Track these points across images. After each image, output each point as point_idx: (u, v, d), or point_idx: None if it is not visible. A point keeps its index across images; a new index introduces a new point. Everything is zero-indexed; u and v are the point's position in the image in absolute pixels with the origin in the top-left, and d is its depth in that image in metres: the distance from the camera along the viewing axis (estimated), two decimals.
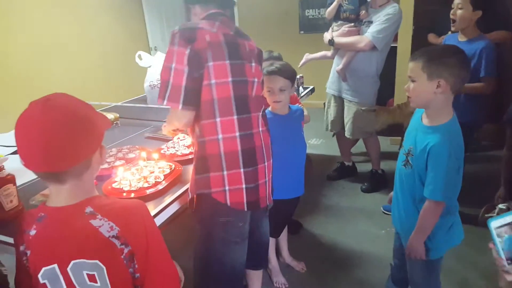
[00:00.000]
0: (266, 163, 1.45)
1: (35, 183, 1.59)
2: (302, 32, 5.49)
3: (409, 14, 3.52)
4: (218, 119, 1.32)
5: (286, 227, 2.20)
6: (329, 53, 3.06)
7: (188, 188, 1.47)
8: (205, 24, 1.32)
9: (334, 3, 2.81)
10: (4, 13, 3.45)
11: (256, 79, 1.44)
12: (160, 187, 1.48)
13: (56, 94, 0.88)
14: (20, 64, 3.59)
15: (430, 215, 1.31)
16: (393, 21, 2.62)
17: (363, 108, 2.85)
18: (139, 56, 2.85)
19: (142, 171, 1.58)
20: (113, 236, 0.86)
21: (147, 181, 1.50)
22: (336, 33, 2.86)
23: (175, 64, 1.25)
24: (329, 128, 3.19)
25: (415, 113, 1.44)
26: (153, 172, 1.58)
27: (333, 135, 3.34)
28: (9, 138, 2.02)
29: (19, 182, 1.35)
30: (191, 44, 1.25)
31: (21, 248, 0.90)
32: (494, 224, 0.80)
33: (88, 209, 0.88)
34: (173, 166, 1.64)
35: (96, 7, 4.46)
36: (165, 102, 1.27)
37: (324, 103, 3.25)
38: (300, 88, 3.38)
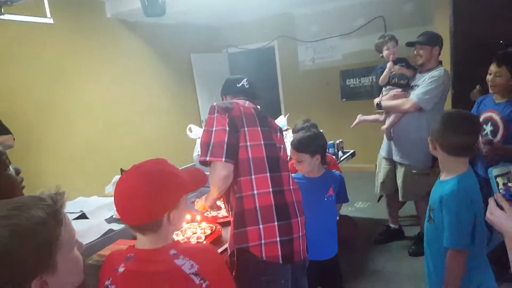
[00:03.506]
0: (299, 218, 1.55)
1: (94, 244, 1.80)
2: (344, 100, 5.73)
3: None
4: (253, 176, 1.48)
5: None
6: (381, 117, 3.15)
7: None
8: (238, 100, 1.58)
9: (386, 70, 2.94)
10: (68, 94, 4.03)
11: (282, 146, 1.64)
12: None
13: (151, 160, 1.06)
14: (92, 139, 4.15)
15: (453, 264, 1.34)
16: (439, 83, 2.69)
17: (414, 171, 2.85)
18: (190, 129, 3.17)
19: (186, 232, 1.75)
20: (193, 273, 0.97)
21: (189, 241, 1.65)
22: (385, 97, 2.99)
23: (216, 127, 1.47)
24: (379, 190, 3.19)
25: None
26: (195, 233, 1.74)
27: (379, 199, 3.32)
28: (74, 205, 2.31)
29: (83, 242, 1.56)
30: (229, 113, 1.49)
31: (106, 282, 1.01)
32: (494, 172, 1.01)
33: (172, 251, 1.01)
34: (214, 227, 1.79)
35: (157, 85, 5.11)
36: (208, 158, 1.44)
37: (376, 165, 3.30)
38: (340, 152, 3.48)
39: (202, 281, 0.98)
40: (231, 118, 1.49)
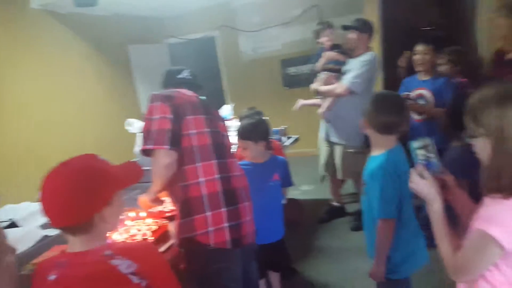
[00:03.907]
0: (246, 203, 1.59)
1: (27, 253, 1.68)
2: (286, 87, 5.87)
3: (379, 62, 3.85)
4: (199, 164, 1.48)
5: (279, 274, 2.27)
6: (319, 101, 3.29)
7: None
8: (181, 89, 1.57)
9: (324, 57, 3.09)
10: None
11: (226, 133, 1.67)
12: None
13: (79, 156, 0.99)
14: (22, 140, 3.86)
15: (381, 233, 1.46)
16: (369, 67, 2.87)
17: (350, 150, 3.02)
18: (129, 123, 3.07)
19: (130, 230, 1.72)
20: (130, 273, 0.92)
21: (133, 239, 1.63)
22: (319, 82, 3.13)
23: (159, 115, 1.45)
24: (322, 170, 3.35)
25: None
26: (140, 230, 1.72)
27: (322, 179, 3.49)
28: (3, 213, 2.15)
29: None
30: (171, 101, 1.47)
31: None
32: (415, 144, 1.12)
33: (107, 252, 0.95)
34: (160, 222, 1.78)
35: (93, 80, 4.86)
36: (150, 146, 1.42)
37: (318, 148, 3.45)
38: (284, 138, 3.59)
39: (140, 281, 0.95)
40: (174, 106, 1.48)
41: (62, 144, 4.18)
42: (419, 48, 2.63)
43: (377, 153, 1.53)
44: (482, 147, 0.91)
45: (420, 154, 1.10)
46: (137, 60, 5.61)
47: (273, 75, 5.88)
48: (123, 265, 0.94)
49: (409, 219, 1.54)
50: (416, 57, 2.67)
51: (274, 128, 3.49)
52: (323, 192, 3.92)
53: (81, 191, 0.93)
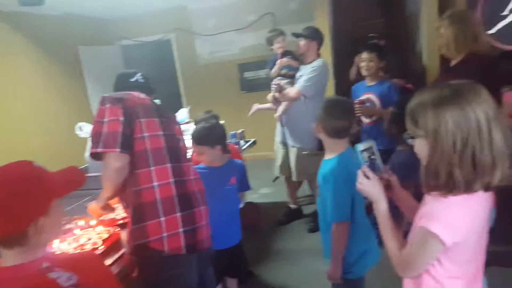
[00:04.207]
0: (202, 208, 1.57)
1: None
2: (243, 91, 5.90)
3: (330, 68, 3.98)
4: (152, 168, 1.44)
5: (236, 279, 2.26)
6: (274, 105, 3.35)
7: None
8: (133, 92, 1.53)
9: (277, 63, 3.18)
10: None
11: (182, 137, 1.64)
12: (97, 253, 1.53)
13: (12, 163, 0.92)
14: None
15: (336, 236, 1.50)
16: (319, 71, 3.00)
17: (304, 153, 3.10)
18: (80, 128, 2.94)
19: (79, 239, 1.64)
20: (71, 285, 0.89)
21: (83, 249, 1.55)
22: (275, 88, 3.18)
23: (109, 118, 1.39)
24: (277, 172, 3.40)
25: None
26: (90, 239, 1.64)
27: (274, 180, 3.56)
28: None
29: None
30: (123, 103, 1.42)
31: None
32: (360, 147, 1.16)
33: (45, 264, 0.90)
34: (112, 230, 1.71)
35: (40, 83, 4.60)
36: (100, 149, 1.37)
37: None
38: (241, 141, 3.60)
39: None
40: (125, 108, 1.43)
41: (7, 150, 3.89)
42: (364, 55, 2.79)
43: (330, 157, 1.58)
44: (421, 148, 0.96)
45: (365, 156, 1.15)
46: (88, 62, 5.40)
47: (230, 79, 5.89)
48: (63, 278, 0.89)
49: (361, 220, 1.59)
50: (362, 64, 2.84)
51: (231, 132, 3.50)
52: (282, 195, 3.96)
53: (13, 200, 0.87)
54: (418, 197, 1.09)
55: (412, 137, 0.98)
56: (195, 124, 2.54)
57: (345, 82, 3.47)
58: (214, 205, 1.90)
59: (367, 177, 1.10)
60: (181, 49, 6.04)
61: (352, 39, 4.56)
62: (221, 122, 2.52)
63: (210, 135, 1.99)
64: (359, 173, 1.12)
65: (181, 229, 1.46)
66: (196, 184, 1.60)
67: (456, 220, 0.91)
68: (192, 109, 3.86)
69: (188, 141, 2.02)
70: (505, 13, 4.23)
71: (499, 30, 4.25)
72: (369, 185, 1.09)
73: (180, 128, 1.70)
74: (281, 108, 3.16)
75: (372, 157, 1.15)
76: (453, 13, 2.02)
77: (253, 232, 3.17)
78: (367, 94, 2.83)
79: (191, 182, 1.57)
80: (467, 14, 2.25)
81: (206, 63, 5.97)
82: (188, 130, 3.03)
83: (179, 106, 5.28)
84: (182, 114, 3.71)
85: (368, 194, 1.10)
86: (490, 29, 4.22)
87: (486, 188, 0.91)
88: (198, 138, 1.98)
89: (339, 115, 1.55)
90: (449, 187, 0.90)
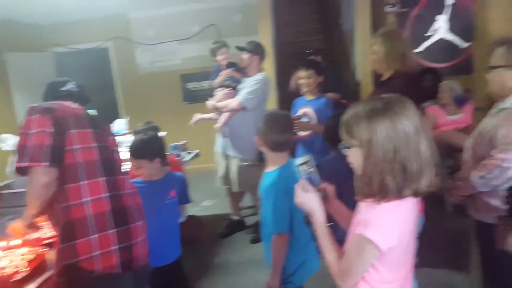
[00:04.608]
0: (139, 223, 1.50)
1: None
2: (186, 102, 5.82)
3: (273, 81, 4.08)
4: (84, 182, 1.35)
5: None
6: (215, 115, 3.36)
7: None
8: (65, 102, 1.44)
9: (221, 74, 3.23)
10: None
11: (116, 149, 1.56)
12: (19, 276, 1.40)
13: None
14: None
15: (275, 248, 1.52)
16: (261, 84, 3.06)
17: (245, 163, 3.12)
18: (2, 139, 2.68)
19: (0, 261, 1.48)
20: None
21: (3, 273, 1.40)
22: (217, 98, 3.21)
23: (37, 129, 1.29)
24: (220, 184, 3.38)
25: None
26: (13, 261, 1.49)
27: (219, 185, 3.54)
28: None
29: None
30: (52, 113, 1.33)
31: None
32: (297, 161, 1.17)
33: None
34: (37, 251, 1.57)
35: None
36: (25, 163, 1.26)
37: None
38: (184, 153, 3.52)
39: None
40: (55, 119, 1.34)
41: None
42: (302, 73, 2.88)
43: (271, 169, 1.59)
44: (355, 157, 1.01)
45: (302, 170, 1.16)
46: (15, 70, 5.00)
47: (172, 89, 5.79)
48: None
49: (300, 230, 1.61)
50: (301, 82, 2.94)
51: (172, 143, 3.42)
52: (224, 207, 3.93)
53: None
54: (351, 205, 1.13)
55: (347, 147, 1.02)
56: (134, 135, 2.44)
57: (288, 94, 3.57)
58: (153, 220, 1.82)
59: (305, 190, 1.12)
60: (120, 58, 5.84)
61: (293, 53, 4.72)
62: (162, 133, 2.45)
63: (148, 148, 1.91)
64: (297, 187, 1.13)
65: (115, 247, 1.38)
66: (133, 198, 1.53)
67: (389, 225, 0.96)
68: (132, 119, 3.71)
69: (125, 153, 1.94)
70: (429, 33, 4.71)
71: (425, 48, 4.72)
72: (307, 199, 1.11)
73: (114, 139, 1.62)
74: (222, 119, 3.17)
75: (309, 170, 1.17)
76: (385, 31, 2.16)
77: (195, 246, 3.10)
78: (305, 108, 2.92)
79: (127, 197, 1.50)
80: (398, 33, 2.43)
81: (147, 72, 5.82)
82: (125, 142, 2.91)
83: (116, 117, 5.05)
84: (118, 125, 3.55)
85: (305, 207, 1.12)
86: (417, 48, 4.67)
87: (415, 194, 0.97)
88: (135, 152, 1.89)
89: (280, 129, 1.58)
90: (382, 194, 0.95)
